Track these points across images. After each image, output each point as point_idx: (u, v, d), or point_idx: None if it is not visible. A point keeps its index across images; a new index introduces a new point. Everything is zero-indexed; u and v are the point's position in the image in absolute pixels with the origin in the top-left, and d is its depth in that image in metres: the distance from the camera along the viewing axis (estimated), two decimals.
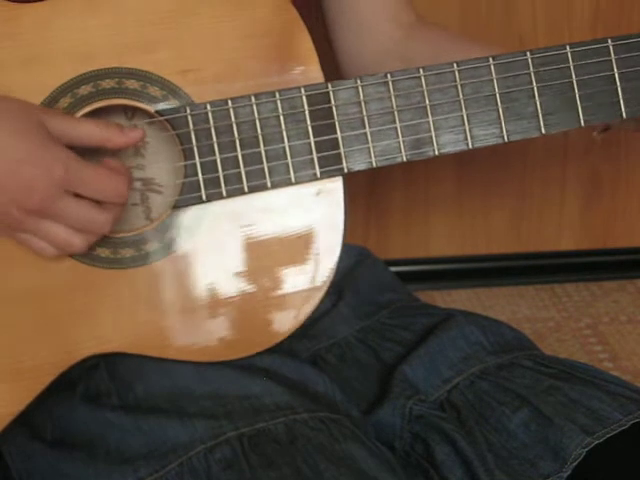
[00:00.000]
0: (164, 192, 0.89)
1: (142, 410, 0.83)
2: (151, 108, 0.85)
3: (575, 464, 0.80)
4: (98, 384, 0.86)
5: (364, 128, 0.86)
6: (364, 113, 0.86)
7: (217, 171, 0.85)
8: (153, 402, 0.83)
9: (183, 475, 0.78)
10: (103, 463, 0.81)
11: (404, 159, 0.86)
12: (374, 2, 1.01)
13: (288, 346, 0.93)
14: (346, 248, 1.02)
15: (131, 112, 0.88)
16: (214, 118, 0.84)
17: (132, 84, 0.84)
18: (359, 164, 0.86)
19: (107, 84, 0.84)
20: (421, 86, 0.86)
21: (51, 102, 0.84)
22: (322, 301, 0.88)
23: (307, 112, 0.85)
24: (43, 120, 0.79)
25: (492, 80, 0.86)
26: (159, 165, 0.89)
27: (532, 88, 0.87)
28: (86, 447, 0.83)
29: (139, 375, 0.85)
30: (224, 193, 0.85)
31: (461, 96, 0.86)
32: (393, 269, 1.12)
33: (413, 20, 1.03)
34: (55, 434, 0.86)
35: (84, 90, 0.84)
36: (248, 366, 0.86)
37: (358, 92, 0.86)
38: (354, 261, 1.06)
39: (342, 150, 0.86)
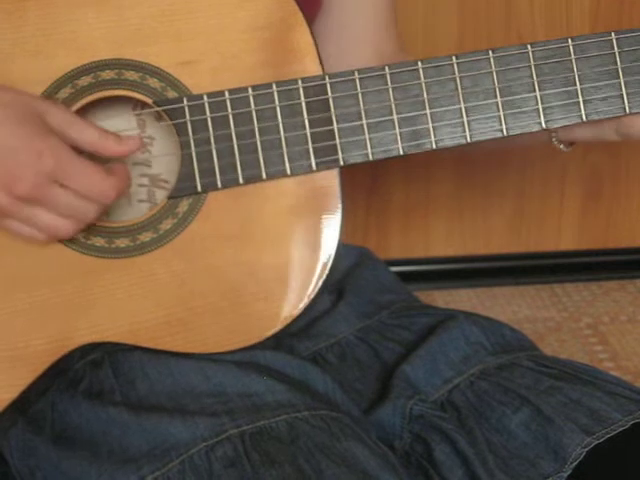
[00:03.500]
0: (169, 187, 0.90)
1: (144, 408, 0.83)
2: (149, 99, 0.85)
3: (575, 464, 0.80)
4: (101, 381, 0.86)
5: (361, 120, 0.86)
6: (361, 105, 0.86)
7: (213, 161, 0.85)
8: (155, 400, 0.83)
9: (185, 473, 0.78)
10: (106, 461, 0.80)
11: (401, 152, 0.86)
12: (358, 30, 1.03)
13: (289, 345, 0.93)
14: (347, 248, 1.02)
15: (140, 105, 0.88)
16: (211, 109, 0.84)
17: (132, 75, 0.85)
18: (355, 156, 0.86)
19: (107, 75, 0.84)
20: (419, 79, 0.86)
21: (52, 93, 0.84)
22: (316, 300, 0.87)
23: (304, 104, 0.85)
24: (43, 112, 0.79)
25: (491, 73, 0.86)
26: (165, 161, 0.90)
27: (532, 82, 0.86)
28: (88, 445, 0.83)
29: (142, 373, 0.85)
30: (219, 184, 0.85)
31: (460, 89, 0.86)
32: (393, 269, 1.12)
33: (396, 51, 1.05)
34: (57, 431, 0.86)
35: (84, 81, 0.84)
36: (250, 364, 0.86)
37: (356, 84, 0.85)
38: (354, 261, 1.06)
39: (338, 142, 0.86)
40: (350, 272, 1.03)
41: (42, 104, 0.80)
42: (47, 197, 0.79)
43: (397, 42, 1.06)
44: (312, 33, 0.86)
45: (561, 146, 0.92)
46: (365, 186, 1.72)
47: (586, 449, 0.80)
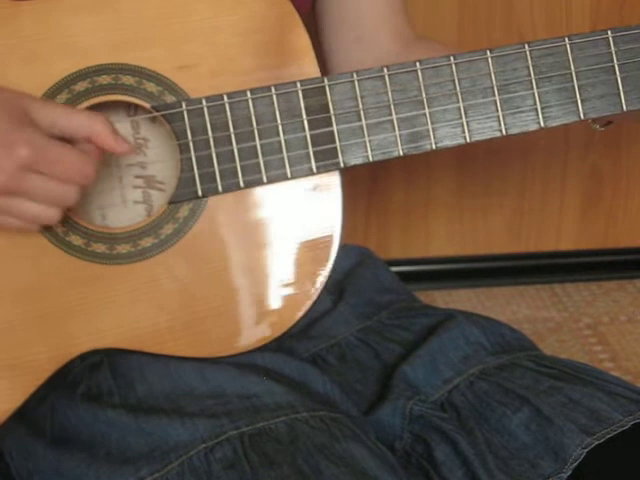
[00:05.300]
0: (165, 190, 0.89)
1: (143, 410, 0.83)
2: (147, 104, 0.85)
3: (575, 464, 0.79)
4: (100, 384, 0.86)
5: (360, 122, 0.85)
6: (360, 107, 0.85)
7: (213, 166, 0.85)
8: (154, 402, 0.83)
9: (184, 474, 0.78)
10: (104, 463, 0.80)
11: (400, 153, 0.86)
12: (375, 15, 1.02)
13: (289, 346, 0.93)
14: (347, 248, 1.02)
15: (133, 108, 0.88)
16: (210, 113, 0.84)
17: (128, 80, 0.84)
18: (355, 158, 0.86)
19: (103, 80, 0.84)
20: (418, 80, 0.85)
21: (48, 98, 0.83)
22: (317, 301, 0.87)
23: (303, 106, 0.85)
24: (27, 107, 0.78)
25: (489, 73, 0.86)
26: (160, 163, 0.89)
27: (530, 80, 0.86)
28: (87, 447, 0.83)
29: (140, 375, 0.85)
30: (220, 188, 0.85)
31: (458, 89, 0.86)
32: (393, 269, 1.12)
33: (412, 35, 1.04)
34: (56, 433, 0.86)
35: (81, 86, 0.84)
36: (249, 365, 0.86)
37: (354, 86, 0.85)
38: (355, 261, 1.06)
39: (338, 144, 0.86)
40: (350, 272, 1.04)
41: (25, 99, 0.79)
42: (24, 187, 0.78)
43: (413, 27, 1.04)
44: (308, 34, 0.86)
45: (597, 126, 0.91)
46: (365, 186, 1.72)
47: (586, 449, 0.79)
